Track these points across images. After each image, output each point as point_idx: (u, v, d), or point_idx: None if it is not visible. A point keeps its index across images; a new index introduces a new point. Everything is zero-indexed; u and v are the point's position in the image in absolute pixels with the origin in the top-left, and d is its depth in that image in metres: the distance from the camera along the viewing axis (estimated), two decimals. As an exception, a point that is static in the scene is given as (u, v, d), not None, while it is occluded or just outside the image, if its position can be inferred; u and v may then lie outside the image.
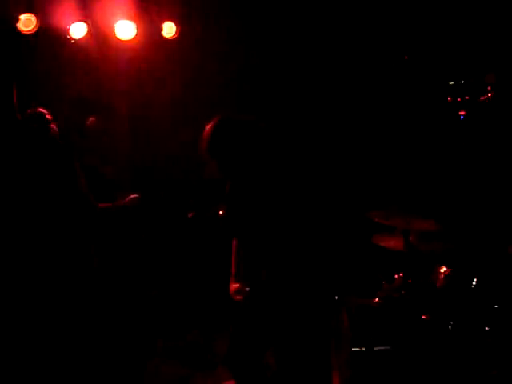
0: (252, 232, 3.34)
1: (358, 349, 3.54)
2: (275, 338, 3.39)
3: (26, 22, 5.51)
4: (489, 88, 4.99)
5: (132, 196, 4.08)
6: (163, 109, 5.88)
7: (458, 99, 5.16)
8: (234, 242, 3.70)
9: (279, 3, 5.61)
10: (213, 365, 4.67)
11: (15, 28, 5.40)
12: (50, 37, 5.55)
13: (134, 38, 5.60)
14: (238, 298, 3.54)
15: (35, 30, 5.50)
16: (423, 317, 3.61)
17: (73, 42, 5.59)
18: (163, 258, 5.73)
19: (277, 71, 5.74)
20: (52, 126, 3.88)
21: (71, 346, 3.66)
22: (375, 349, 3.53)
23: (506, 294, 3.58)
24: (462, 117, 5.15)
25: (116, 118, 5.97)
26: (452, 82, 5.19)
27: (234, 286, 3.60)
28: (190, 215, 5.37)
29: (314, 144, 5.40)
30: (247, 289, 3.47)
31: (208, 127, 3.36)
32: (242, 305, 3.50)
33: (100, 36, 5.62)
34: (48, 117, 3.97)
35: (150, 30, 5.67)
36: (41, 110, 4.00)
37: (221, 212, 4.97)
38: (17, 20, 5.44)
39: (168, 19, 5.68)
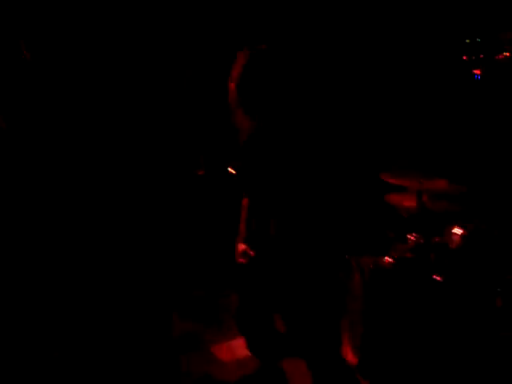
0: (268, 185, 3.21)
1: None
2: (283, 298, 3.33)
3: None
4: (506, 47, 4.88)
5: None
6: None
7: (474, 57, 5.05)
8: (245, 202, 3.55)
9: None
10: (220, 321, 4.67)
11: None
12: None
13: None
14: (242, 260, 3.41)
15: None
16: (436, 278, 3.57)
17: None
18: (169, 218, 5.66)
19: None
20: None
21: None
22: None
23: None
24: (477, 76, 5.04)
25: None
26: (468, 40, 5.07)
27: (241, 247, 3.45)
28: (199, 173, 5.30)
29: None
30: (252, 253, 3.37)
31: (238, 63, 2.94)
32: (247, 267, 3.40)
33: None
34: None
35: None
36: None
37: (231, 169, 4.91)
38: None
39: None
